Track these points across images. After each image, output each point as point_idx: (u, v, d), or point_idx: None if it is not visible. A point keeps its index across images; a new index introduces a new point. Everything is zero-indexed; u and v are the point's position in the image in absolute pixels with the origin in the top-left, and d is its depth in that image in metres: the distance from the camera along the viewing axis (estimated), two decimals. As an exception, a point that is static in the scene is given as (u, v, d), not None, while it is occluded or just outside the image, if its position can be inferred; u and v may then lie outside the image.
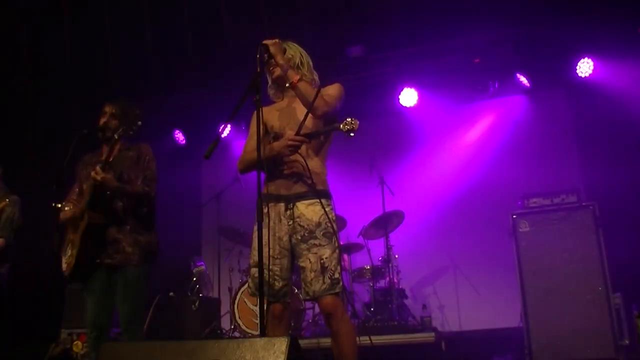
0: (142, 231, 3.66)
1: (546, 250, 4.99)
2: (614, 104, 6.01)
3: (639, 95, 5.94)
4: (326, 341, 5.32)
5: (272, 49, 3.12)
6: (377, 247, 6.43)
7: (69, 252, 3.66)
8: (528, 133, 6.81)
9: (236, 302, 6.08)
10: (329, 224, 3.04)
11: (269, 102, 3.36)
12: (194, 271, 6.76)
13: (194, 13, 6.27)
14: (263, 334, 2.66)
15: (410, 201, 6.77)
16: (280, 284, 3.04)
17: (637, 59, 5.94)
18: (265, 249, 2.98)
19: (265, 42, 3.14)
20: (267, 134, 3.22)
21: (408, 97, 6.98)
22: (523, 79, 6.60)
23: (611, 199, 5.50)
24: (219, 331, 6.23)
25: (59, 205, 3.55)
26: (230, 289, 6.42)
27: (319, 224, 3.03)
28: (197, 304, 6.26)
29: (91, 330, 3.59)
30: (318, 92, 3.04)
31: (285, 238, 3.07)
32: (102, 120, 3.78)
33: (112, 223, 3.60)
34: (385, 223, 6.28)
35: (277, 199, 3.11)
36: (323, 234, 3.02)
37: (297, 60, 3.25)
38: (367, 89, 6.67)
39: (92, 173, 3.45)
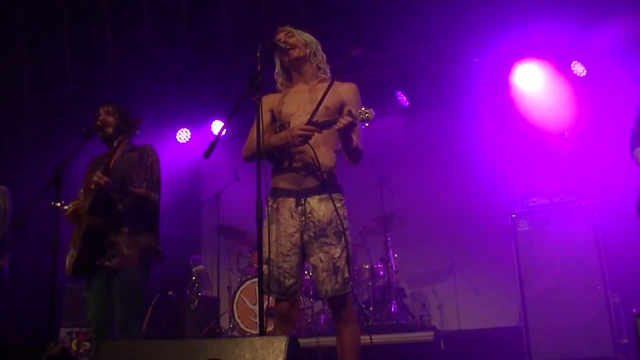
0: (141, 233, 3.64)
1: (545, 250, 5.00)
2: (613, 103, 6.00)
3: (638, 95, 5.94)
4: (325, 340, 5.33)
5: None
6: (376, 247, 6.43)
7: (71, 252, 3.67)
8: (527, 132, 6.81)
9: (235, 301, 6.07)
10: (340, 222, 3.00)
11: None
12: (193, 270, 6.76)
13: (195, 11, 6.27)
14: (262, 333, 2.65)
15: (409, 200, 6.76)
16: (290, 281, 2.99)
17: (636, 59, 5.94)
18: (274, 246, 2.98)
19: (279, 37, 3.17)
20: (274, 122, 3.17)
21: (407, 96, 7.00)
22: (522, 79, 6.60)
23: (610, 198, 5.50)
24: (217, 330, 6.23)
25: (58, 204, 3.55)
26: (229, 288, 6.42)
27: (330, 222, 2.99)
28: (196, 303, 6.27)
29: (93, 330, 3.60)
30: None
31: (297, 235, 3.01)
32: (99, 119, 3.78)
33: (111, 226, 3.59)
34: (384, 222, 6.28)
35: (288, 193, 3.04)
36: (334, 233, 2.99)
37: (315, 47, 3.23)
38: (366, 89, 6.63)
39: (95, 177, 3.45)
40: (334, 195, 3.03)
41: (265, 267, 2.96)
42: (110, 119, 3.78)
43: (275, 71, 3.30)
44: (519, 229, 5.12)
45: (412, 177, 7.08)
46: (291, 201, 3.03)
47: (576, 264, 4.89)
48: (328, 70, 3.28)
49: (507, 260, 5.28)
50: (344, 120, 2.84)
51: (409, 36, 6.31)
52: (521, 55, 6.51)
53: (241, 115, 2.94)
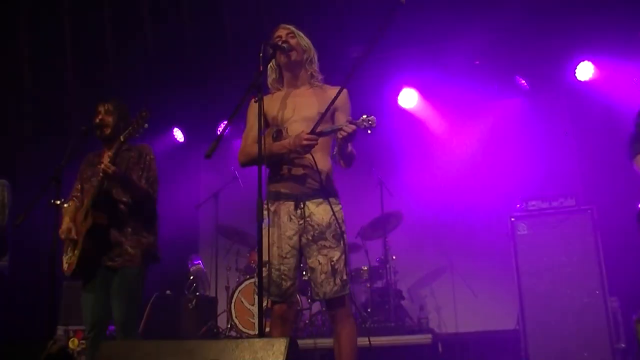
0: (144, 232, 3.66)
1: (544, 253, 4.99)
2: (614, 107, 6.01)
3: (639, 98, 5.94)
4: (323, 342, 5.32)
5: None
6: (374, 248, 6.42)
7: (70, 253, 3.65)
8: (527, 135, 6.82)
9: (233, 301, 6.06)
10: (338, 225, 3.03)
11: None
12: (191, 270, 6.74)
13: (194, 10, 6.26)
14: (262, 334, 2.64)
15: (408, 202, 6.76)
16: (288, 283, 3.01)
17: (637, 61, 5.94)
18: (273, 248, 2.99)
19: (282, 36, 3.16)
20: (267, 125, 3.16)
21: (408, 98, 7.00)
22: (523, 82, 6.60)
23: (609, 203, 5.50)
24: (215, 330, 6.23)
25: (58, 202, 3.54)
26: (227, 288, 6.41)
27: (329, 225, 3.02)
28: (194, 302, 6.25)
29: (90, 330, 3.60)
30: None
31: (295, 237, 3.03)
32: (98, 118, 3.78)
33: (114, 225, 3.60)
34: (383, 224, 6.27)
35: (286, 197, 3.06)
36: (332, 236, 3.02)
37: (312, 54, 3.22)
38: (366, 89, 6.66)
39: (103, 166, 3.45)
40: (332, 200, 3.07)
41: (264, 269, 2.97)
42: (109, 118, 3.78)
43: (268, 66, 3.28)
44: (518, 232, 5.12)
45: (411, 179, 7.07)
46: (290, 204, 3.05)
47: (575, 267, 4.88)
48: (320, 79, 3.26)
49: (505, 264, 5.27)
50: (347, 129, 2.85)
51: (409, 37, 6.30)
52: (520, 56, 6.51)
53: (242, 115, 2.94)
